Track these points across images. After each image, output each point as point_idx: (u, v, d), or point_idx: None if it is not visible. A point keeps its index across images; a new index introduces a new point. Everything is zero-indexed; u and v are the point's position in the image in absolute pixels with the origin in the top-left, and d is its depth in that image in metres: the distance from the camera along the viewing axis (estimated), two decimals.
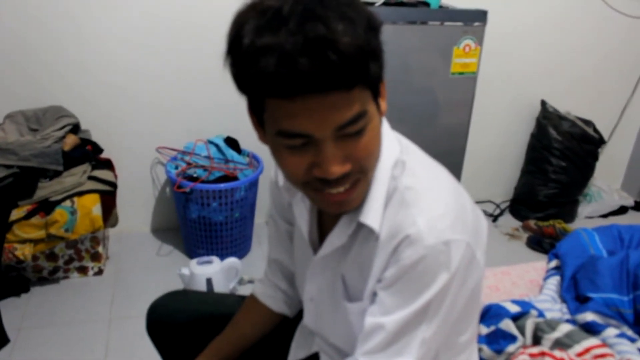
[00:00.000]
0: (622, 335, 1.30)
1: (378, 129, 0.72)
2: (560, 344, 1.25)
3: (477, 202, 2.91)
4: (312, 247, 0.91)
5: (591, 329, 1.31)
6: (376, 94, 0.70)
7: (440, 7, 2.12)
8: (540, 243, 2.52)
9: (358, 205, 0.77)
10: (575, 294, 1.50)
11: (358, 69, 0.62)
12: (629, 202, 2.99)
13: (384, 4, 2.04)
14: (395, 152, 0.80)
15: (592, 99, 2.85)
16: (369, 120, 0.68)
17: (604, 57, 2.77)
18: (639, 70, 2.85)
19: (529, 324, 1.31)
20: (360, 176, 0.72)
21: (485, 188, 2.92)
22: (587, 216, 2.86)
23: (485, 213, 2.83)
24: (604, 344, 1.26)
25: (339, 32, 0.59)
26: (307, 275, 0.93)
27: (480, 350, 1.28)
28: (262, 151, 2.32)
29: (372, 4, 2.01)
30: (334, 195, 0.72)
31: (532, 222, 2.66)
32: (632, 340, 1.29)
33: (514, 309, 1.39)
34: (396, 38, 2.01)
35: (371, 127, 0.69)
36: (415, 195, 0.76)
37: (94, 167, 2.13)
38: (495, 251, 2.44)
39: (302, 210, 0.90)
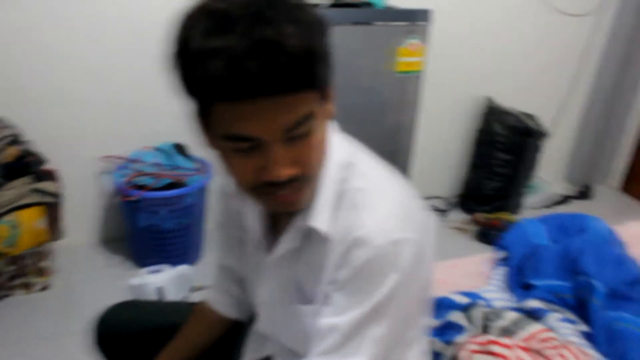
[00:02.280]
0: (564, 319, 1.35)
1: (325, 132, 0.72)
2: (506, 332, 1.29)
3: (427, 198, 2.98)
4: (265, 251, 0.91)
5: (535, 315, 1.36)
6: (323, 97, 0.70)
7: (385, 7, 2.16)
8: (488, 235, 2.58)
9: (307, 205, 0.77)
10: (520, 283, 1.55)
11: (305, 70, 0.62)
12: (572, 192, 3.12)
13: (330, 5, 2.06)
14: (344, 154, 0.80)
15: (535, 94, 2.95)
16: (316, 123, 0.68)
17: (546, 53, 2.88)
18: (578, 65, 2.97)
19: (477, 314, 1.34)
20: (307, 178, 0.72)
21: (434, 184, 2.98)
22: (532, 207, 2.96)
23: (436, 208, 2.89)
24: (548, 328, 1.31)
25: (287, 34, 0.60)
26: (260, 278, 0.93)
27: (432, 343, 1.30)
28: (212, 157, 2.29)
29: (317, 5, 2.02)
30: (282, 196, 0.72)
31: (480, 215, 2.74)
32: (574, 323, 1.35)
33: (463, 300, 1.43)
34: (341, 39, 2.02)
35: (318, 129, 0.69)
36: (365, 197, 0.77)
37: (36, 179, 2.05)
38: (445, 245, 2.45)
39: (254, 215, 0.89)
